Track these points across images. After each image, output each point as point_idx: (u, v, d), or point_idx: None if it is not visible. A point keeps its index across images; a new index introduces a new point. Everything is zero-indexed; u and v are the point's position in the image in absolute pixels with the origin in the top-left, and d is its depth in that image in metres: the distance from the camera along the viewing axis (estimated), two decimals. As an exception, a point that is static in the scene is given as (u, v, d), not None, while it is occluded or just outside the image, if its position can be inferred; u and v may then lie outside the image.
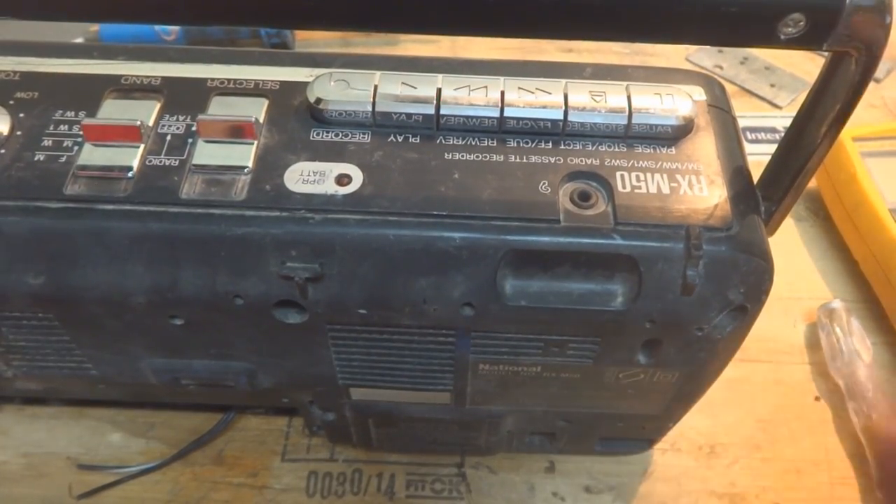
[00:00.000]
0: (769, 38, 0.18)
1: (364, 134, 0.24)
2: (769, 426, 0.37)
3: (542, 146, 0.24)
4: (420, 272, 0.23)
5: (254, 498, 0.34)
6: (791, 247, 0.46)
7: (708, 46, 0.60)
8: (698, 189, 0.23)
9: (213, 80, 0.26)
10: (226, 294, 0.23)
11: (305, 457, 0.35)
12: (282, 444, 0.35)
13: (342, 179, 0.23)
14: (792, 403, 0.38)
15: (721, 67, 0.58)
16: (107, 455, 0.35)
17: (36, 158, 0.24)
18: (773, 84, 0.56)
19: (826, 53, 0.20)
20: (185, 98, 0.25)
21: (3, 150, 0.24)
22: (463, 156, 0.24)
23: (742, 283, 0.23)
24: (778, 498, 0.35)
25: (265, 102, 0.25)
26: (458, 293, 0.23)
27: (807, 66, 0.56)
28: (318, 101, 0.24)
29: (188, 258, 0.23)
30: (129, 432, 0.35)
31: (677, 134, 0.25)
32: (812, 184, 0.47)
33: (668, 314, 0.23)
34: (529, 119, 0.24)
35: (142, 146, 0.24)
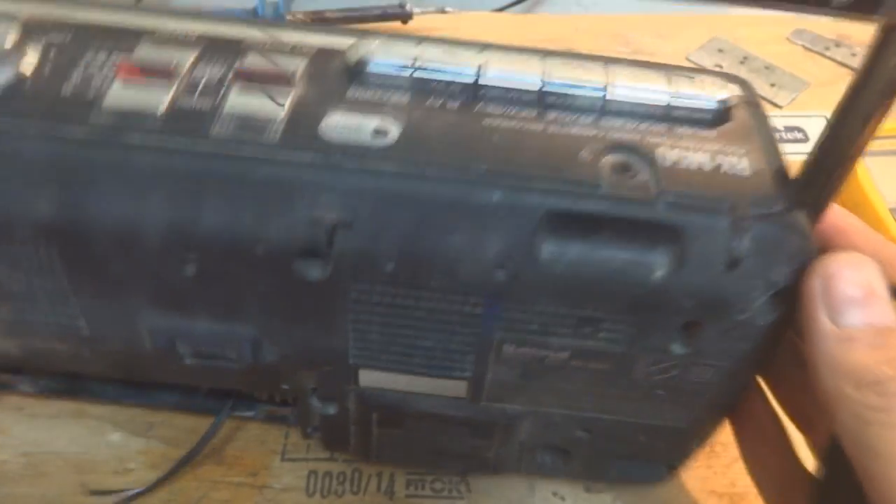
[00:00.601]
0: (820, 2, 0.18)
1: (402, 96, 0.24)
2: (769, 426, 0.37)
3: (583, 120, 0.24)
4: (455, 228, 0.22)
5: (254, 497, 0.34)
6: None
7: (708, 46, 0.60)
8: (741, 169, 0.23)
9: (251, 39, 0.26)
10: (247, 238, 0.22)
11: (305, 456, 0.35)
12: (282, 443, 0.35)
13: (379, 133, 0.23)
14: (792, 403, 0.38)
15: (721, 67, 0.58)
16: (107, 454, 0.35)
17: (63, 92, 0.23)
18: (773, 84, 0.56)
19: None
20: (222, 51, 0.25)
21: (30, 81, 0.23)
22: (502, 122, 0.24)
23: (787, 263, 0.22)
24: (778, 497, 0.35)
25: (304, 60, 0.25)
26: (492, 252, 0.22)
27: (807, 65, 0.56)
28: (358, 61, 0.24)
29: (213, 196, 0.22)
30: (129, 432, 0.35)
31: (717, 119, 0.25)
32: (812, 183, 0.47)
33: (710, 290, 0.22)
34: (570, 94, 0.24)
35: (174, 87, 0.23)
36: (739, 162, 0.23)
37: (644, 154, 0.23)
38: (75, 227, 0.22)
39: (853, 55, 0.56)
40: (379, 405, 0.28)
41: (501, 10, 0.69)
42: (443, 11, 0.62)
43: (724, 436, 0.36)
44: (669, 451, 0.30)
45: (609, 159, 0.23)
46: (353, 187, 0.22)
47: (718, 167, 0.23)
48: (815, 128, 0.50)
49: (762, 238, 0.22)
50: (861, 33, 0.58)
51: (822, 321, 0.21)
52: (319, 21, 0.59)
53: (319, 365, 0.27)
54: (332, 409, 0.29)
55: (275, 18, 0.60)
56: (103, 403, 0.36)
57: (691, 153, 0.23)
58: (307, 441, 0.35)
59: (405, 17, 0.61)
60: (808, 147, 0.48)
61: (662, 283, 0.22)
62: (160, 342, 0.26)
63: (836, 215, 0.24)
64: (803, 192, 0.23)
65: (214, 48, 0.25)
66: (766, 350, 0.25)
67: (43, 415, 0.36)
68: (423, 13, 0.61)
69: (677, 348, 0.24)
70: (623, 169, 0.23)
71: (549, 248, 0.22)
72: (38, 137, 0.22)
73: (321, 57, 0.25)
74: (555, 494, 0.34)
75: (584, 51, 0.60)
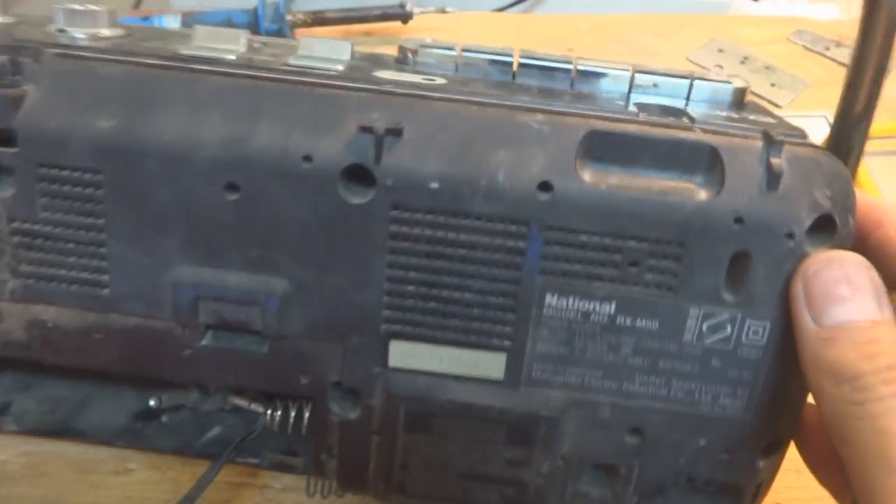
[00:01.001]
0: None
1: (448, 69, 0.28)
2: (769, 426, 0.37)
3: (613, 89, 0.27)
4: (499, 144, 0.23)
5: (254, 498, 0.34)
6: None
7: (708, 46, 0.60)
8: (769, 121, 0.25)
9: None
10: (296, 152, 0.23)
11: (305, 456, 0.35)
12: (282, 443, 0.35)
13: (427, 78, 0.26)
14: (792, 403, 0.38)
15: (721, 67, 0.58)
16: (107, 454, 0.35)
17: (151, 45, 0.26)
18: (773, 84, 0.56)
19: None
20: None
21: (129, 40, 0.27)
22: (537, 83, 0.27)
23: (827, 185, 0.22)
24: (778, 497, 0.35)
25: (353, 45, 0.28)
26: (535, 168, 0.22)
27: (807, 65, 0.56)
28: (404, 50, 0.28)
29: (267, 112, 0.23)
30: (129, 432, 0.35)
31: (736, 101, 0.27)
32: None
33: (754, 211, 0.22)
34: (599, 74, 0.27)
35: (246, 39, 0.27)
36: (765, 118, 0.25)
37: (676, 109, 0.25)
38: (130, 142, 0.23)
39: (853, 55, 0.56)
40: (407, 395, 0.26)
41: (501, 10, 0.69)
42: (443, 11, 0.62)
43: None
44: (733, 469, 0.26)
45: (643, 105, 0.25)
46: (403, 104, 0.23)
47: (747, 118, 0.25)
48: (816, 128, 0.50)
49: (798, 160, 0.22)
50: (861, 33, 0.59)
51: (806, 322, 0.22)
52: (320, 21, 0.59)
53: (348, 333, 0.25)
54: (353, 413, 0.26)
55: (275, 18, 0.60)
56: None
57: (720, 112, 0.26)
58: (319, 483, 0.32)
59: (405, 17, 0.61)
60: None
61: (705, 206, 0.22)
62: (184, 298, 0.25)
63: (870, 205, 0.24)
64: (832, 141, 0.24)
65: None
66: None
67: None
68: (423, 13, 0.62)
69: (727, 295, 0.23)
70: (659, 110, 0.25)
71: (590, 171, 0.23)
72: (113, 60, 0.24)
73: (372, 54, 0.29)
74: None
75: (585, 51, 0.60)
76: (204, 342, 0.26)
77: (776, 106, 0.55)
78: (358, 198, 0.23)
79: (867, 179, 0.42)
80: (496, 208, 0.23)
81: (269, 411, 0.28)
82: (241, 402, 0.31)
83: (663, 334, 0.24)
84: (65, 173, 0.24)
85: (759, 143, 0.23)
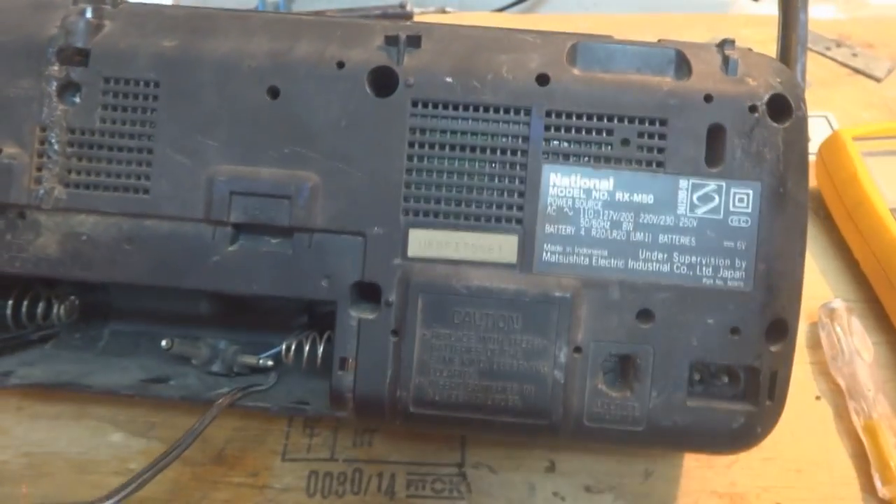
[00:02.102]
0: None
1: None
2: (769, 426, 0.37)
3: None
4: (501, 51, 0.28)
5: (254, 498, 0.34)
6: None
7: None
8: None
9: None
10: (330, 60, 0.27)
11: (306, 456, 0.35)
12: (282, 443, 0.35)
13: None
14: (792, 403, 0.38)
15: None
16: (107, 454, 0.35)
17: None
18: (773, 84, 0.56)
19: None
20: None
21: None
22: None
23: (777, 75, 0.27)
24: (778, 498, 0.35)
25: None
26: (533, 66, 0.27)
27: (807, 65, 0.56)
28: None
29: (306, 34, 0.28)
30: (129, 432, 0.35)
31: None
32: (812, 183, 0.47)
33: (719, 90, 0.27)
34: None
35: None
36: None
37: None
38: (187, 57, 0.28)
39: (854, 55, 0.56)
40: (426, 285, 0.27)
41: (501, 10, 0.69)
42: (443, 11, 0.62)
43: (725, 436, 0.36)
44: (744, 350, 0.27)
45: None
46: (421, 27, 0.28)
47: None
48: (816, 128, 0.50)
49: (750, 55, 0.28)
50: (861, 33, 0.59)
51: None
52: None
53: (370, 224, 0.27)
54: (373, 314, 0.27)
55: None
56: (101, 397, 0.34)
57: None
58: (308, 441, 0.35)
59: (405, 18, 0.61)
60: (809, 147, 0.48)
61: (678, 88, 0.27)
62: (217, 200, 0.27)
63: None
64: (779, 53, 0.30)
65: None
66: (795, 169, 0.27)
67: (44, 415, 0.36)
68: (423, 13, 0.62)
69: (710, 167, 0.27)
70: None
71: (581, 56, 0.28)
72: (177, 7, 0.30)
73: None
74: (555, 494, 0.34)
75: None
76: (231, 248, 0.28)
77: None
78: (382, 94, 0.27)
79: (867, 179, 0.42)
80: (501, 98, 0.27)
81: (284, 345, 0.30)
82: (249, 360, 0.31)
83: (659, 208, 0.27)
84: (126, 87, 0.28)
85: (713, 46, 0.28)
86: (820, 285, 0.43)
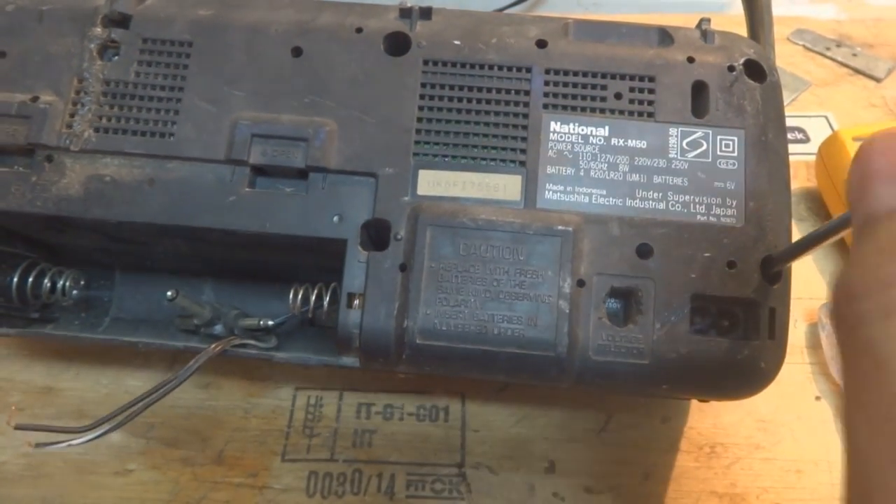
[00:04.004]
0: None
1: None
2: (769, 426, 0.37)
3: None
4: (503, 24, 0.31)
5: (254, 498, 0.34)
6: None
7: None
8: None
9: None
10: (350, 27, 0.30)
11: (305, 457, 0.35)
12: (282, 444, 0.35)
13: None
14: (792, 403, 0.38)
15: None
16: (107, 455, 0.35)
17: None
18: (773, 84, 0.56)
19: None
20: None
21: None
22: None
23: (749, 46, 0.31)
24: (778, 498, 0.35)
25: None
26: (532, 34, 0.30)
27: (807, 66, 0.56)
28: None
29: (329, 9, 0.31)
30: (129, 432, 0.35)
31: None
32: (812, 184, 0.47)
33: (700, 54, 0.30)
34: None
35: None
36: None
37: None
38: (222, 21, 0.31)
39: (854, 55, 0.56)
40: (434, 219, 0.28)
41: (501, 10, 0.69)
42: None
43: (725, 437, 0.36)
44: (741, 283, 0.28)
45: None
46: (433, 9, 0.31)
47: None
48: (816, 128, 0.50)
49: (724, 33, 0.31)
50: (861, 33, 0.59)
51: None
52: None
53: (382, 165, 0.29)
54: (382, 248, 0.28)
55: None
56: (102, 397, 0.35)
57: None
58: (307, 442, 0.35)
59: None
60: (809, 147, 0.48)
61: (663, 51, 0.30)
62: (238, 142, 0.29)
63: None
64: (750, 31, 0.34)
65: None
66: (771, 118, 0.29)
67: (43, 416, 0.36)
68: None
69: (697, 117, 0.29)
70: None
71: (575, 29, 0.31)
72: None
73: None
74: (555, 495, 0.34)
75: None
76: (248, 189, 0.29)
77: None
78: (396, 54, 0.30)
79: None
80: (505, 57, 0.30)
81: (292, 294, 0.30)
82: (250, 322, 0.31)
83: (652, 152, 0.29)
84: (162, 46, 0.30)
85: (693, 27, 0.31)
86: (820, 285, 0.43)
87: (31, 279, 0.33)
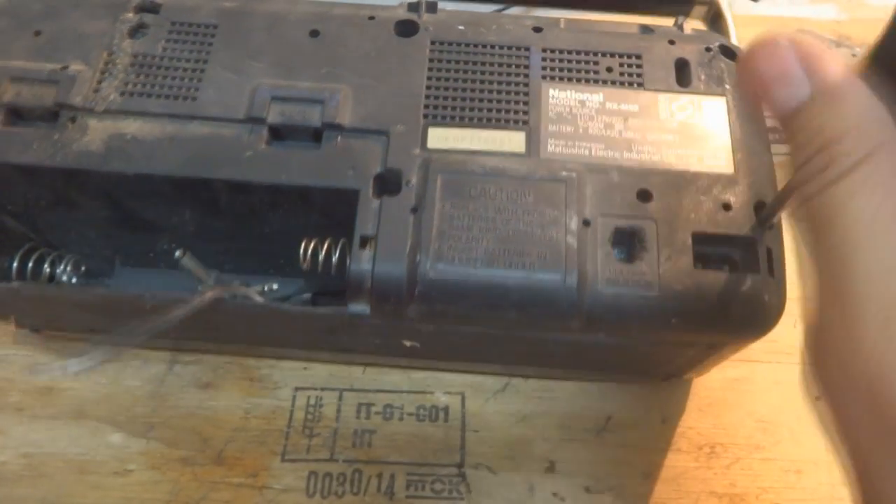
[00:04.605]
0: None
1: None
2: (769, 426, 0.37)
3: None
4: (502, 18, 0.35)
5: (254, 498, 0.34)
6: (791, 247, 0.46)
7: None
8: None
9: None
10: (364, 14, 0.33)
11: (305, 457, 0.35)
12: (282, 444, 0.35)
13: None
14: (792, 403, 0.38)
15: (721, 67, 0.58)
16: (107, 455, 0.35)
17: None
18: (773, 84, 0.56)
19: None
20: None
21: None
22: None
23: (719, 38, 0.34)
24: (778, 498, 0.35)
25: None
26: (529, 24, 0.33)
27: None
28: None
29: (343, 5, 0.34)
30: (129, 433, 0.35)
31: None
32: (812, 184, 0.47)
33: (678, 39, 0.33)
34: None
35: None
36: None
37: None
38: (244, 10, 0.34)
39: (853, 55, 0.56)
40: (444, 167, 0.29)
41: (501, 10, 0.69)
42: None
43: (725, 437, 0.36)
44: (737, 223, 0.29)
45: None
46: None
47: None
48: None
49: (696, 30, 0.35)
50: (861, 33, 0.58)
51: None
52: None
53: (393, 123, 0.30)
54: (394, 194, 0.29)
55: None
56: (101, 398, 0.35)
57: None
58: (307, 442, 0.35)
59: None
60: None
61: (647, 35, 0.34)
62: (258, 103, 0.31)
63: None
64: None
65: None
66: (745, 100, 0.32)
67: (43, 416, 0.36)
68: (423, 14, 0.61)
69: (682, 87, 0.32)
70: None
71: (565, 28, 0.34)
72: None
73: None
74: (555, 495, 0.34)
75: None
76: (265, 146, 0.30)
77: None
78: (406, 36, 0.33)
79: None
80: (505, 39, 0.33)
81: (302, 248, 0.30)
82: (255, 288, 0.32)
83: (644, 113, 0.31)
84: (189, 28, 0.33)
85: (669, 28, 0.35)
86: (820, 286, 0.43)
87: (30, 264, 0.33)
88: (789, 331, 0.41)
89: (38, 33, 0.32)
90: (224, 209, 0.32)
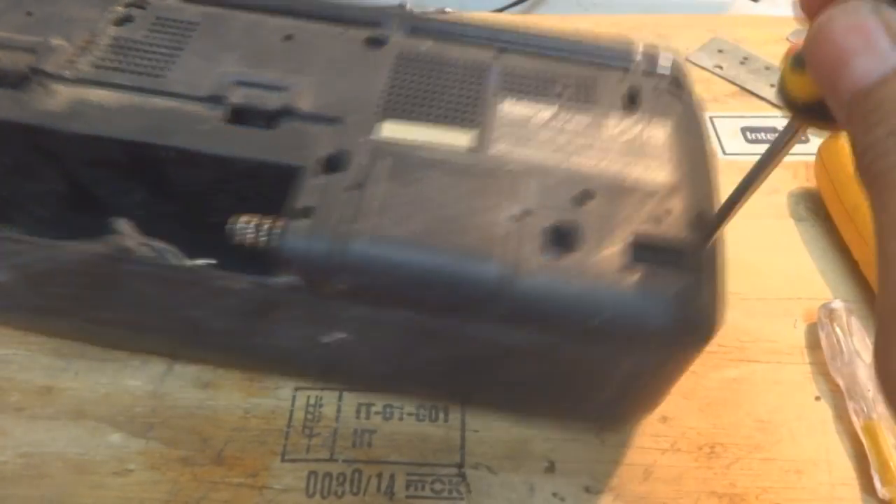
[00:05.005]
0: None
1: None
2: (769, 426, 0.37)
3: None
4: (466, 51, 0.36)
5: (254, 498, 0.34)
6: (791, 247, 0.46)
7: (708, 46, 0.60)
8: None
9: None
10: (337, 30, 0.35)
11: (305, 457, 0.35)
12: (282, 444, 0.35)
13: None
14: (792, 403, 0.38)
15: (721, 67, 0.57)
16: (106, 455, 0.35)
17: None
18: (772, 84, 0.55)
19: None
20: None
21: None
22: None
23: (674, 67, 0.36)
24: (778, 498, 0.35)
25: None
26: (494, 50, 0.36)
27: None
28: None
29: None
30: (128, 433, 0.35)
31: None
32: (812, 184, 0.47)
33: (631, 72, 0.35)
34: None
35: None
36: None
37: None
38: (226, 15, 0.36)
39: None
40: (391, 151, 0.30)
41: (501, 10, 0.68)
42: (443, 12, 0.62)
43: (725, 437, 0.36)
44: (676, 227, 0.29)
45: None
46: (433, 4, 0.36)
47: None
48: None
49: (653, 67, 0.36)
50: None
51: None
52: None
53: (349, 112, 0.32)
54: (339, 171, 0.29)
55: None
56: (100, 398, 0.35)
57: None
58: (307, 442, 0.35)
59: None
60: (809, 147, 0.48)
61: (602, 70, 0.35)
62: (221, 85, 0.32)
63: None
64: None
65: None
66: (691, 125, 0.33)
67: (43, 416, 0.36)
68: (422, 14, 0.61)
69: (631, 111, 0.33)
70: None
71: (527, 55, 0.36)
72: None
73: None
74: (555, 495, 0.34)
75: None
76: (222, 122, 0.31)
77: (776, 106, 0.55)
78: (374, 49, 0.35)
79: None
80: (467, 58, 0.35)
81: (236, 224, 0.29)
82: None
83: (592, 129, 0.32)
84: (172, 23, 0.35)
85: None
86: (819, 286, 0.43)
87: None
88: (789, 331, 0.41)
89: (29, 14, 0.34)
90: (174, 188, 0.32)
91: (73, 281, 0.30)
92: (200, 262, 0.30)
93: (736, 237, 0.45)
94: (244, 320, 0.31)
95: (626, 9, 0.66)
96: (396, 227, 0.27)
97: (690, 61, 0.58)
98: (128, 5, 0.35)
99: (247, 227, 0.28)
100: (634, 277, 0.27)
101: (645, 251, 0.27)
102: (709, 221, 0.28)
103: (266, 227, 0.28)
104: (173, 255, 0.29)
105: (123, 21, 0.34)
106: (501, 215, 0.28)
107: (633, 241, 0.28)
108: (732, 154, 0.51)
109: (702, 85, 0.58)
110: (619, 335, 0.27)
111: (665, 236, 0.28)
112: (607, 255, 0.27)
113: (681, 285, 0.27)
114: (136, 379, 0.37)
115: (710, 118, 0.54)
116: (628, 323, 0.27)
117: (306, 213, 0.28)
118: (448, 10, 0.66)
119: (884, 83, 0.17)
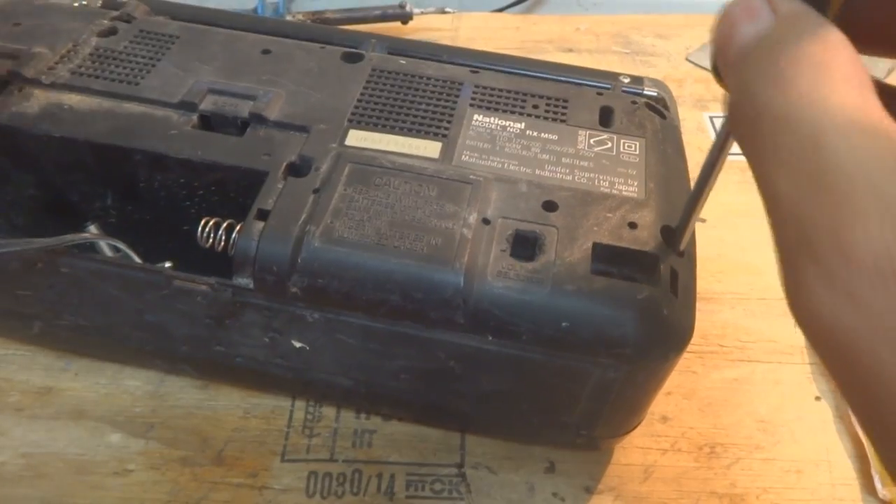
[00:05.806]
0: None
1: None
2: (769, 426, 0.37)
3: None
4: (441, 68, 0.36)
5: (254, 498, 0.33)
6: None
7: (708, 46, 0.60)
8: None
9: None
10: (316, 46, 0.37)
11: (305, 457, 0.35)
12: (282, 444, 0.35)
13: None
14: (792, 403, 0.38)
15: (721, 67, 0.58)
16: (106, 455, 0.35)
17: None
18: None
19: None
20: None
21: None
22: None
23: (653, 86, 0.37)
24: (778, 498, 0.35)
25: None
26: (467, 70, 0.36)
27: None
28: None
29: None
30: (128, 433, 0.35)
31: None
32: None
33: (607, 91, 0.36)
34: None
35: None
36: None
37: None
38: (206, 31, 0.37)
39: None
40: (355, 160, 0.30)
41: (501, 10, 0.68)
42: (443, 12, 0.62)
43: (724, 437, 0.36)
44: (642, 240, 0.28)
45: None
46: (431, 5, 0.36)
47: None
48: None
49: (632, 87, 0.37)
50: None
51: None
52: (320, 22, 0.59)
53: (317, 122, 0.32)
54: (301, 176, 0.29)
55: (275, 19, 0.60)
56: (101, 398, 0.35)
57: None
58: (307, 442, 0.35)
59: (405, 18, 0.60)
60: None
61: (578, 86, 0.36)
62: (193, 93, 0.33)
63: None
64: None
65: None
66: (668, 132, 0.34)
67: (42, 416, 0.36)
68: (422, 13, 0.61)
69: (603, 127, 0.33)
70: None
71: (502, 74, 0.37)
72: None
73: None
74: (555, 495, 0.34)
75: (585, 51, 0.60)
76: (191, 128, 0.31)
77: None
78: (351, 63, 0.35)
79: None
80: (442, 74, 0.35)
81: (199, 228, 0.29)
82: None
83: (562, 143, 0.32)
84: (154, 36, 0.36)
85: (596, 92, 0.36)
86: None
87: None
88: (789, 331, 0.41)
89: (17, 24, 0.35)
90: (146, 194, 0.32)
91: (39, 282, 0.30)
92: (162, 264, 0.31)
93: (736, 237, 0.45)
94: (206, 327, 0.30)
95: (626, 9, 0.66)
96: (352, 230, 0.27)
97: (690, 61, 0.58)
98: (114, 19, 0.36)
99: (209, 230, 0.29)
100: (597, 286, 0.26)
101: (609, 261, 0.27)
102: (675, 230, 0.27)
103: (224, 229, 0.29)
104: (136, 256, 0.30)
105: (108, 33, 0.35)
106: (463, 220, 0.28)
107: (597, 251, 0.27)
108: (732, 154, 0.51)
109: (702, 85, 0.58)
110: (582, 345, 0.26)
111: (629, 247, 0.27)
112: (570, 263, 0.26)
113: (644, 294, 0.26)
114: (135, 379, 0.37)
115: (710, 118, 0.54)
116: (591, 332, 0.26)
117: (263, 215, 0.27)
118: (448, 10, 0.66)
119: (760, 38, 0.19)
